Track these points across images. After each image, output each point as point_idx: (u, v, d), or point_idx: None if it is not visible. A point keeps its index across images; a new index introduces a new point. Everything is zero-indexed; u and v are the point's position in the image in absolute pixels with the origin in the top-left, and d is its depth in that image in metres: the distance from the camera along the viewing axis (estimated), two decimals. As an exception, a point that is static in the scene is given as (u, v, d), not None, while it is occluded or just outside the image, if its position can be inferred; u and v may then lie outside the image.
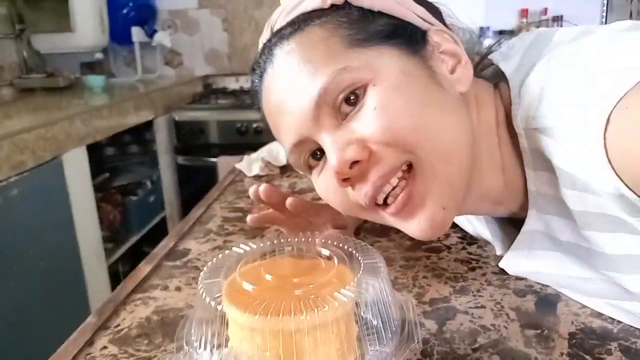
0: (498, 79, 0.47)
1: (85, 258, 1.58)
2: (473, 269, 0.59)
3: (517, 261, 0.47)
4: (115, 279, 1.86)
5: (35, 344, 1.29)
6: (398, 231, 0.49)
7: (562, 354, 0.44)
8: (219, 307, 0.40)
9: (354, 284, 0.41)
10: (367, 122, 0.40)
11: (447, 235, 0.67)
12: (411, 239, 0.45)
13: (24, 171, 1.32)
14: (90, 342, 0.50)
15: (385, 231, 0.69)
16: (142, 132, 2.14)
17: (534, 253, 0.47)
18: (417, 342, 0.45)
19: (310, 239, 0.48)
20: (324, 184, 0.45)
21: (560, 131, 0.39)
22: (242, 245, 0.48)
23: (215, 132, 2.15)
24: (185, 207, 2.37)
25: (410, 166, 0.41)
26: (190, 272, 0.63)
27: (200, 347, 0.41)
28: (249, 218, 0.60)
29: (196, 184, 2.27)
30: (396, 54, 0.42)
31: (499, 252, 0.52)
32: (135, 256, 2.10)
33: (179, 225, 0.78)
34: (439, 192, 0.41)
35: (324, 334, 0.38)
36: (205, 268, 0.44)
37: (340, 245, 0.48)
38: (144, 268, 0.64)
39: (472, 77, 0.45)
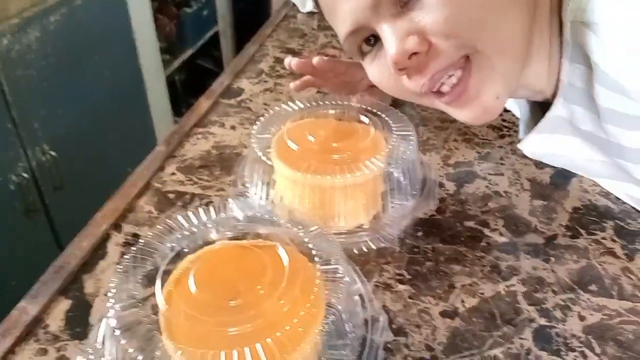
0: None
1: (145, 68, 1.68)
2: (502, 137, 0.63)
3: (536, 143, 0.50)
4: (173, 89, 1.98)
5: (102, 149, 1.47)
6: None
7: (560, 225, 0.50)
8: (269, 161, 0.47)
9: (386, 153, 0.47)
10: (429, 12, 0.39)
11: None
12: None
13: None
14: (161, 168, 0.60)
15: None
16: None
17: (554, 137, 0.49)
18: (435, 200, 0.52)
19: (351, 104, 0.53)
20: (378, 70, 0.45)
21: (604, 28, 0.39)
22: (289, 104, 0.53)
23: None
24: (238, 22, 2.36)
25: (467, 57, 0.41)
26: (243, 112, 0.70)
27: (252, 187, 0.50)
28: (291, 84, 0.66)
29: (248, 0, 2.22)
30: None
31: (521, 135, 0.55)
32: (190, 69, 2.19)
33: (233, 62, 0.83)
34: (493, 83, 0.42)
35: (353, 191, 0.46)
36: (257, 124, 0.51)
37: (377, 112, 0.52)
38: (203, 103, 0.72)
39: None
